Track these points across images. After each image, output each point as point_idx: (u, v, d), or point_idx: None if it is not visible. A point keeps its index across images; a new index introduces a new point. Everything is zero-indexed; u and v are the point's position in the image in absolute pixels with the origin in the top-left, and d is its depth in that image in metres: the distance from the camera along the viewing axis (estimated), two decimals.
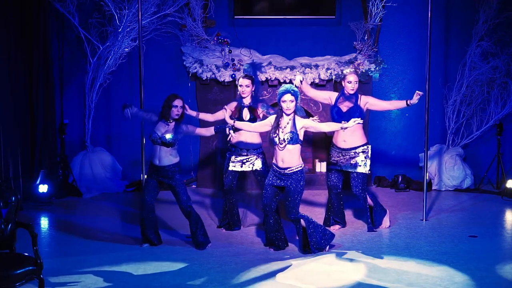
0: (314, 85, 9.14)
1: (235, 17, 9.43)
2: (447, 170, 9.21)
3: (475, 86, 9.30)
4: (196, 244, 6.58)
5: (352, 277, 5.73)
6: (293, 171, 6.22)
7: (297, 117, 6.24)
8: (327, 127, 6.38)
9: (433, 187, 9.28)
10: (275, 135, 6.21)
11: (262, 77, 8.95)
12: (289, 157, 6.21)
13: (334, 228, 7.18)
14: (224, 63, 9.02)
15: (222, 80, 9.02)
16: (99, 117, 9.35)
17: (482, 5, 9.09)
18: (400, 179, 9.25)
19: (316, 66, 9.07)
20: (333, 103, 6.97)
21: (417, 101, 6.88)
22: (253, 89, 6.98)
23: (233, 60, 9.05)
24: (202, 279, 5.68)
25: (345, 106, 6.99)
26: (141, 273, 5.82)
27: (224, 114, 6.49)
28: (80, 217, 7.96)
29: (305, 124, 6.25)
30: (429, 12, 7.42)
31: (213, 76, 9.03)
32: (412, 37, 9.43)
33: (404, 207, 8.21)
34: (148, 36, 8.94)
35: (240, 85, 6.99)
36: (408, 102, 6.92)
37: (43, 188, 8.37)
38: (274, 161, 6.33)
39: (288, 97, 6.15)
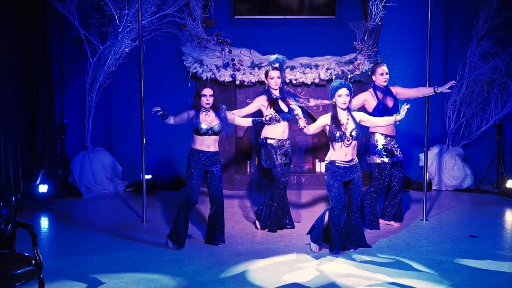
0: (314, 85, 9.15)
1: (235, 17, 9.43)
2: (447, 170, 9.21)
3: (475, 86, 9.30)
4: (209, 239, 6.66)
5: (352, 277, 5.73)
6: (356, 162, 6.30)
7: (353, 112, 6.27)
8: (383, 121, 6.40)
9: (433, 187, 9.28)
10: (340, 132, 6.15)
11: (262, 76, 8.95)
12: (353, 151, 6.25)
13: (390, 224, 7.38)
14: (224, 63, 9.02)
15: (222, 80, 9.02)
16: (99, 117, 9.35)
17: (482, 5, 9.09)
18: None
19: (316, 66, 9.07)
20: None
21: (446, 90, 7.06)
22: (281, 81, 7.04)
23: (233, 60, 9.05)
24: (202, 279, 5.68)
25: (390, 101, 7.06)
26: (141, 273, 5.81)
27: (263, 110, 6.91)
28: (80, 217, 7.96)
29: (361, 118, 6.29)
30: (429, 12, 7.42)
31: (213, 76, 9.02)
32: (412, 37, 9.43)
33: (404, 207, 8.20)
34: (148, 36, 8.94)
35: (272, 77, 7.01)
36: (436, 89, 7.09)
37: (43, 188, 8.37)
38: (332, 158, 6.23)
39: (344, 91, 6.15)
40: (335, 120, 6.18)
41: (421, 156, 9.14)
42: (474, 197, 8.89)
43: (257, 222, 7.30)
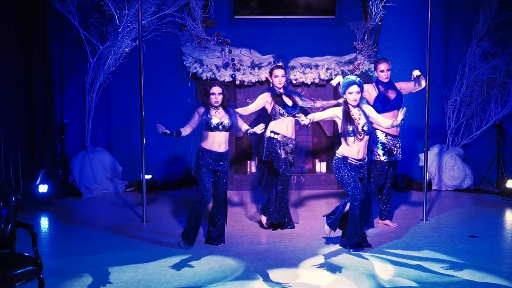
0: (314, 85, 9.15)
1: (235, 17, 9.43)
2: (447, 170, 9.20)
3: (475, 86, 9.29)
4: (210, 239, 6.65)
5: (351, 277, 5.73)
6: (366, 161, 6.34)
7: (362, 106, 6.30)
8: (384, 123, 6.42)
9: (433, 187, 9.27)
10: (352, 126, 6.18)
11: (262, 76, 8.96)
12: (364, 148, 6.28)
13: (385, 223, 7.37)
14: (224, 63, 9.01)
15: (222, 80, 9.00)
16: (99, 117, 9.35)
17: (482, 5, 9.09)
18: (400, 179, 9.24)
19: (316, 66, 9.07)
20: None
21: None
22: (285, 79, 7.04)
23: (233, 60, 9.05)
24: (202, 279, 5.68)
25: (392, 94, 7.08)
26: (141, 273, 5.82)
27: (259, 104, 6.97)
28: (80, 217, 7.96)
29: (369, 113, 6.32)
30: (429, 12, 7.42)
31: (213, 76, 9.02)
32: (412, 37, 9.43)
33: (404, 207, 8.21)
34: (148, 36, 8.94)
35: (276, 76, 6.99)
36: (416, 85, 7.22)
37: (43, 188, 8.37)
38: (345, 153, 6.25)
39: (355, 88, 6.18)
40: (347, 115, 6.21)
41: (421, 156, 9.14)
42: (474, 197, 8.89)
43: (262, 218, 7.25)
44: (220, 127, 6.41)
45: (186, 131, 6.48)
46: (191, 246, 6.52)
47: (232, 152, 9.26)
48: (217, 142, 6.45)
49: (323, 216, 6.60)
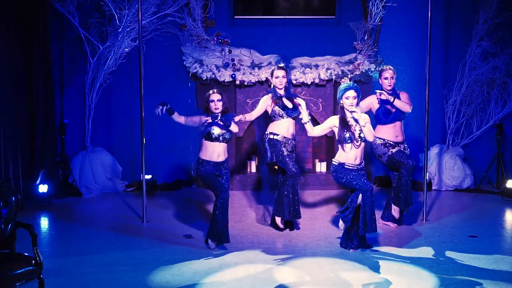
0: (314, 85, 9.15)
1: (235, 17, 9.44)
2: (447, 170, 9.21)
3: (475, 86, 9.29)
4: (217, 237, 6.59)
5: (351, 277, 5.73)
6: (364, 165, 6.33)
7: (359, 113, 6.23)
8: (370, 133, 6.30)
9: (433, 187, 9.27)
10: (349, 132, 6.17)
11: (262, 76, 8.95)
12: (361, 154, 6.27)
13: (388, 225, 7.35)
14: (224, 63, 9.02)
15: (222, 80, 9.02)
16: (99, 117, 9.35)
17: (482, 5, 9.09)
18: None
19: (316, 66, 9.07)
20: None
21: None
22: (286, 80, 7.03)
23: (233, 60, 9.05)
24: (202, 279, 5.68)
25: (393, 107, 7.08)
26: (141, 273, 5.82)
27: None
28: (80, 217, 7.96)
29: (366, 119, 6.25)
30: (429, 12, 7.42)
31: (213, 76, 9.02)
32: (412, 37, 9.43)
33: None
34: (148, 36, 8.94)
35: (277, 77, 6.98)
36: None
37: (43, 188, 8.37)
38: (341, 160, 6.25)
39: (351, 93, 6.17)
40: (343, 121, 6.19)
41: (421, 156, 9.14)
42: (474, 197, 8.89)
43: (277, 219, 7.15)
44: (221, 138, 6.43)
45: (180, 117, 6.47)
46: (220, 246, 6.50)
47: (232, 152, 9.26)
48: (217, 152, 6.47)
49: (337, 213, 6.52)
